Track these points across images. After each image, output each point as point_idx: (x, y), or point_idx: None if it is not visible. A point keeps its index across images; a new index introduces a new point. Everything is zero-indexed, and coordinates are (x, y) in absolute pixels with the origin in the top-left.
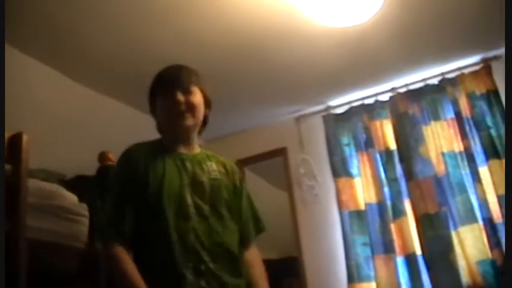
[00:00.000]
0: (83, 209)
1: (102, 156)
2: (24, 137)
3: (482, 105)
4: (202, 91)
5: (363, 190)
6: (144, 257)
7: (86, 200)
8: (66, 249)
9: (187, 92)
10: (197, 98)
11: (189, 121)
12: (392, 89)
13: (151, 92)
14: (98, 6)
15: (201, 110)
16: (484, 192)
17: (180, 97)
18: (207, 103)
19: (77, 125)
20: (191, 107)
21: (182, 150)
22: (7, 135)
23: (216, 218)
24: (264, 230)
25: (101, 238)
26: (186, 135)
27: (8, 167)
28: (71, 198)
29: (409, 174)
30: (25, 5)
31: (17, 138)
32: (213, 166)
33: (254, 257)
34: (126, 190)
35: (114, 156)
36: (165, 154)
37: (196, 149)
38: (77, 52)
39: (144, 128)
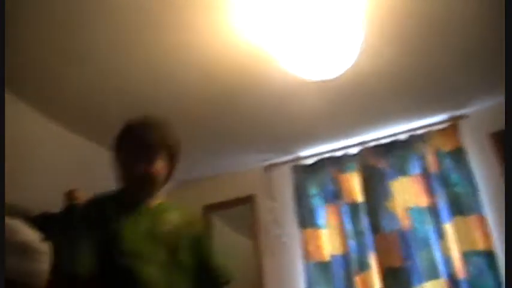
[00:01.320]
0: (45, 247)
1: (69, 194)
2: None
3: (449, 163)
4: (170, 151)
5: (328, 242)
6: None
7: (50, 238)
8: (26, 287)
9: (151, 159)
10: (159, 165)
11: (146, 191)
12: (362, 143)
13: (116, 145)
14: (69, 44)
15: (160, 178)
16: (448, 248)
17: (140, 169)
18: (174, 162)
19: (45, 161)
20: (151, 180)
21: (142, 201)
22: None
23: (176, 270)
24: (227, 282)
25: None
26: (143, 196)
27: None
28: (33, 235)
29: (375, 228)
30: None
31: None
32: (172, 216)
33: None
34: (87, 235)
35: (81, 195)
36: (124, 208)
37: (157, 201)
38: (48, 88)
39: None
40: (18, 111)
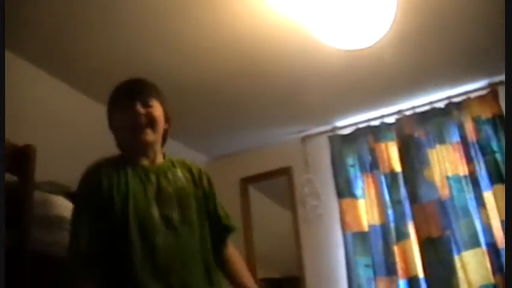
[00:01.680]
0: None
1: None
2: (32, 150)
3: (488, 130)
4: (162, 105)
5: (366, 212)
6: (114, 277)
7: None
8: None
9: (147, 105)
10: (157, 111)
11: (150, 136)
12: (399, 112)
13: (109, 106)
14: (107, 16)
15: (161, 124)
16: (488, 217)
17: (140, 109)
18: (167, 118)
19: (84, 137)
20: (151, 120)
21: (145, 162)
22: (14, 146)
23: (186, 227)
24: (234, 230)
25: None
26: (147, 150)
27: (14, 178)
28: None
29: (413, 197)
30: (32, 13)
31: (25, 150)
32: (178, 174)
33: (232, 254)
34: (90, 212)
35: None
36: (128, 169)
37: (160, 159)
38: (88, 66)
39: None
40: (58, 90)
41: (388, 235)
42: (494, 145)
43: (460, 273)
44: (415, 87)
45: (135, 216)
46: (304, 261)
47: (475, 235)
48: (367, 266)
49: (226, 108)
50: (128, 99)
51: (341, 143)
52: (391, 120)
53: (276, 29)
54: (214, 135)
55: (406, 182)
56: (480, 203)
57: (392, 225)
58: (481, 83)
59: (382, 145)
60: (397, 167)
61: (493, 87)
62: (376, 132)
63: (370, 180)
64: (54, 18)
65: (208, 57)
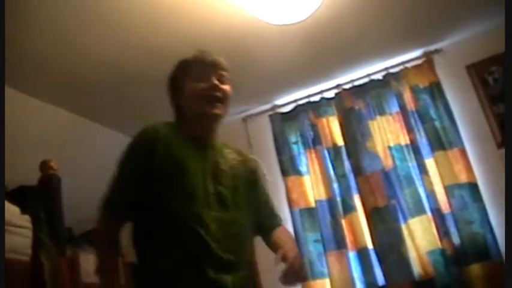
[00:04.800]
0: (25, 220)
1: (44, 165)
2: None
3: (426, 98)
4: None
5: (312, 187)
6: (149, 241)
7: (29, 211)
8: (9, 263)
9: (222, 81)
10: (230, 88)
11: (220, 110)
12: (338, 86)
13: (181, 73)
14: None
15: (230, 102)
16: (431, 183)
17: (217, 82)
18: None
19: (18, 133)
20: (224, 96)
21: (204, 137)
22: None
23: (236, 208)
24: (281, 223)
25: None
26: (212, 124)
27: None
28: (13, 209)
29: (357, 170)
30: None
31: None
32: (232, 155)
33: (280, 231)
34: (138, 168)
35: (56, 165)
36: (186, 140)
37: (217, 139)
38: (15, 58)
39: (86, 135)
40: None
41: (335, 209)
42: (432, 113)
43: (408, 241)
44: (352, 60)
45: (190, 186)
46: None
47: (419, 202)
48: (316, 241)
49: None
50: (206, 70)
51: (282, 121)
52: (330, 94)
53: (214, 11)
54: (152, 118)
55: (350, 155)
56: (422, 170)
57: (338, 199)
58: (417, 52)
59: (324, 120)
60: (340, 141)
61: (428, 56)
62: (317, 108)
63: (314, 156)
64: None
65: (140, 36)
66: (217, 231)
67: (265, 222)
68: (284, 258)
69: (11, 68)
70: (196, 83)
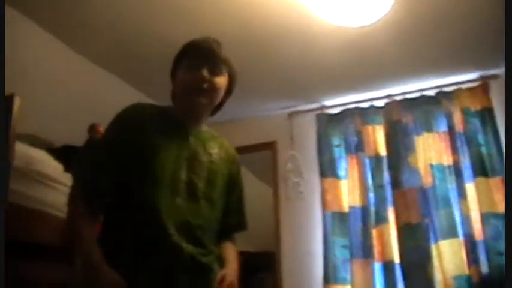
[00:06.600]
0: (68, 178)
1: (92, 129)
2: (16, 100)
3: (476, 122)
4: (230, 75)
5: (348, 193)
6: (117, 222)
7: (73, 170)
8: (48, 217)
9: (214, 73)
10: (222, 81)
11: (204, 100)
12: (388, 96)
13: (177, 58)
14: None
15: (220, 94)
16: (468, 208)
17: (206, 75)
18: (230, 89)
19: (70, 94)
20: (212, 88)
21: (189, 124)
22: None
23: (206, 201)
24: (245, 229)
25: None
26: (197, 112)
27: None
28: (57, 166)
29: (395, 183)
30: None
31: (8, 100)
32: (215, 149)
33: (229, 246)
34: (115, 148)
35: (103, 129)
36: (171, 123)
37: (204, 127)
38: (79, 21)
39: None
40: (44, 42)
41: (368, 218)
42: (480, 138)
43: (436, 262)
44: (406, 73)
45: (163, 170)
46: (281, 237)
47: (453, 225)
48: (344, 246)
49: None
50: (197, 62)
51: (328, 122)
52: (380, 104)
53: (272, 4)
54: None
55: (390, 167)
56: (461, 193)
57: (372, 208)
58: (473, 75)
59: (369, 128)
60: (382, 151)
61: (484, 80)
62: (364, 115)
63: (354, 161)
64: None
65: (206, 23)
66: (179, 219)
67: (226, 222)
68: (221, 281)
69: (77, 31)
70: (186, 72)
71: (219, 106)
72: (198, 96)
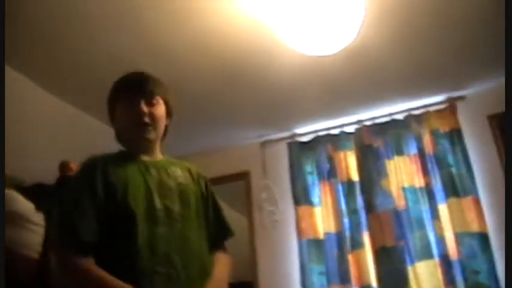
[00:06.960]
0: (39, 217)
1: (63, 166)
2: None
3: (445, 143)
4: (165, 101)
5: (322, 219)
6: (105, 265)
7: (43, 209)
8: (18, 257)
9: (151, 103)
10: (160, 109)
11: (151, 134)
12: (358, 122)
13: (112, 98)
14: (69, 7)
15: (163, 122)
16: (441, 229)
17: (144, 108)
18: (169, 113)
19: (40, 131)
20: (154, 120)
21: (145, 158)
22: None
23: (185, 223)
24: (231, 235)
25: (56, 246)
26: (147, 146)
27: None
28: (27, 205)
29: (369, 207)
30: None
31: None
32: (178, 172)
33: (221, 258)
34: (89, 196)
35: (75, 167)
36: (128, 162)
37: (159, 156)
38: (45, 57)
39: (107, 140)
40: (14, 81)
41: (343, 243)
42: (450, 158)
43: (413, 284)
44: (375, 98)
45: (137, 203)
46: (258, 266)
47: (428, 246)
48: (321, 273)
49: (187, 106)
50: (132, 96)
51: (300, 150)
52: (350, 129)
53: (243, 29)
54: (173, 134)
55: (363, 191)
56: (434, 215)
57: (347, 233)
58: (440, 97)
59: (341, 154)
60: (355, 176)
61: (451, 102)
62: (335, 141)
63: (327, 188)
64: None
65: (174, 54)
66: (166, 248)
67: (213, 234)
68: None
69: (44, 67)
70: (124, 109)
71: (165, 131)
72: (143, 132)
